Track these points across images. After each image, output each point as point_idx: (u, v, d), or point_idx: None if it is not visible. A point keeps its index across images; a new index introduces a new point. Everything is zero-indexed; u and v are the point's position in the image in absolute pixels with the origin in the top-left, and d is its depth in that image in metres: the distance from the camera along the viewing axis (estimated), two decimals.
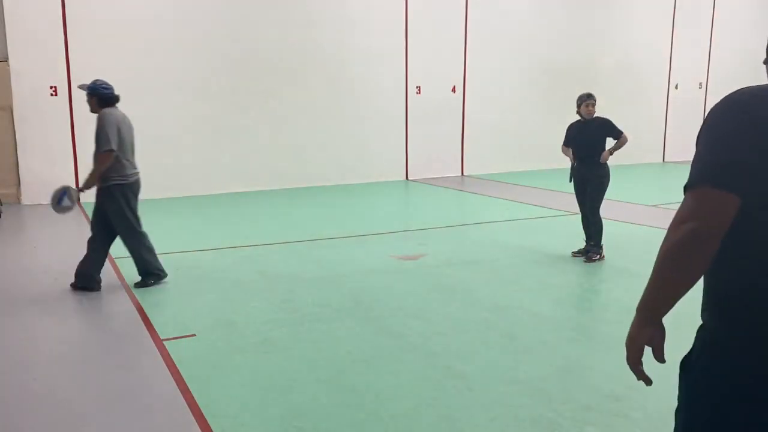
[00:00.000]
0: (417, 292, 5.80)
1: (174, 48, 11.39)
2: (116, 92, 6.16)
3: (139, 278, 6.02)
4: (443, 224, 8.93)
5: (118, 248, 7.43)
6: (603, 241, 6.88)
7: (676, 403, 1.75)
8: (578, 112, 6.86)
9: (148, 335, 4.78)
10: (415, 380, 3.99)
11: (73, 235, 8.75)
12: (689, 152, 1.68)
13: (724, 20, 16.97)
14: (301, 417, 3.52)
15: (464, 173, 14.46)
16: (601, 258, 6.84)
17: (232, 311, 5.30)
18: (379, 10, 13.03)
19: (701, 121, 1.69)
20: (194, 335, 4.77)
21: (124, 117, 6.09)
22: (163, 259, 6.19)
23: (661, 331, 1.69)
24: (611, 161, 6.83)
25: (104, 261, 6.00)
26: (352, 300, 5.58)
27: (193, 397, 3.75)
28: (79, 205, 10.71)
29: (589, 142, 6.77)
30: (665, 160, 17.17)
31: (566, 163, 7.15)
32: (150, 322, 5.03)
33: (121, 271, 6.53)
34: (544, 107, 14.87)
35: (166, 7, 11.29)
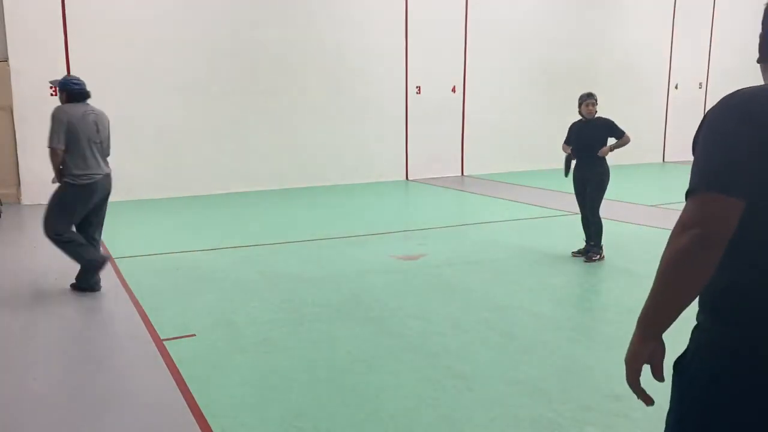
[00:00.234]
0: (417, 292, 5.80)
1: (174, 48, 11.39)
2: (87, 89, 6.03)
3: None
4: (443, 224, 8.93)
5: (118, 248, 7.44)
6: (603, 241, 6.88)
7: None
8: (579, 112, 6.87)
9: (148, 335, 4.78)
10: (415, 380, 3.99)
11: None
12: (689, 152, 1.67)
13: (724, 20, 16.96)
14: (301, 417, 3.52)
15: (464, 173, 14.46)
16: (601, 258, 6.84)
17: (232, 311, 5.30)
18: (379, 10, 13.04)
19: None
20: (194, 335, 4.77)
21: (85, 115, 5.74)
22: (162, 260, 6.19)
23: (661, 347, 1.65)
24: (611, 161, 6.83)
25: (94, 249, 5.83)
26: (352, 300, 5.58)
27: (193, 397, 3.75)
28: None
29: (590, 142, 6.77)
30: (665, 160, 17.17)
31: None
32: (150, 322, 5.03)
33: (121, 271, 6.53)
34: (544, 107, 14.88)
35: (166, 7, 11.29)
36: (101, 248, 6.15)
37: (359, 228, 8.67)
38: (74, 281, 5.89)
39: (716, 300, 1.58)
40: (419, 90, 13.66)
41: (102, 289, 5.87)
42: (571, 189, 7.11)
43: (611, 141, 6.81)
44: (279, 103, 12.36)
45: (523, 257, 7.04)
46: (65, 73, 10.67)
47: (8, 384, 4.04)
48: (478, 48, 14.09)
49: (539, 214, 9.64)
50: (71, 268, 5.96)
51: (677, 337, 1.79)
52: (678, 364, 1.67)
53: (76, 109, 5.74)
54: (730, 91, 1.59)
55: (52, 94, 10.63)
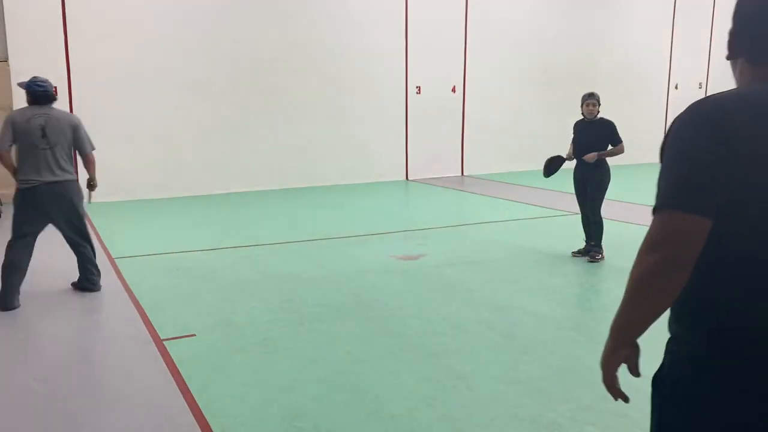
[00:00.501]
0: (417, 292, 5.80)
1: (174, 47, 11.39)
2: (52, 90, 5.78)
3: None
4: (443, 224, 8.93)
5: (118, 248, 7.44)
6: (603, 241, 6.88)
7: None
8: (582, 112, 6.88)
9: (148, 335, 4.78)
10: (415, 380, 3.99)
11: None
12: None
13: (724, 20, 16.96)
14: (301, 417, 3.52)
15: (464, 173, 14.47)
16: (602, 258, 6.84)
17: (232, 311, 5.30)
18: (380, 10, 13.04)
19: None
20: (194, 335, 4.77)
21: (32, 119, 5.41)
22: (162, 260, 6.19)
23: (636, 350, 1.63)
24: (611, 161, 6.83)
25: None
26: (352, 300, 5.58)
27: (193, 397, 3.75)
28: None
29: (590, 143, 6.76)
30: None
31: (567, 162, 7.13)
32: (150, 322, 5.03)
33: (121, 271, 6.53)
34: (544, 107, 14.88)
35: (166, 7, 11.29)
36: (94, 255, 5.93)
37: (359, 228, 8.67)
38: (75, 281, 5.89)
39: (688, 310, 1.55)
40: (419, 90, 13.66)
41: (102, 290, 5.87)
42: (572, 189, 7.11)
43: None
44: (279, 103, 12.36)
45: (523, 257, 7.04)
46: (65, 73, 10.69)
47: (8, 384, 4.04)
48: (478, 48, 14.09)
49: (539, 214, 9.64)
50: (71, 268, 5.96)
51: (656, 350, 1.76)
52: (656, 378, 1.64)
53: (24, 112, 5.50)
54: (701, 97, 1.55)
55: None
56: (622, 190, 10.06)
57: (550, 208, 9.98)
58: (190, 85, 11.56)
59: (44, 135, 5.44)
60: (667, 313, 1.59)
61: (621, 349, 1.61)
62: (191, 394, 3.80)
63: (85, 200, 6.08)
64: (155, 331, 4.86)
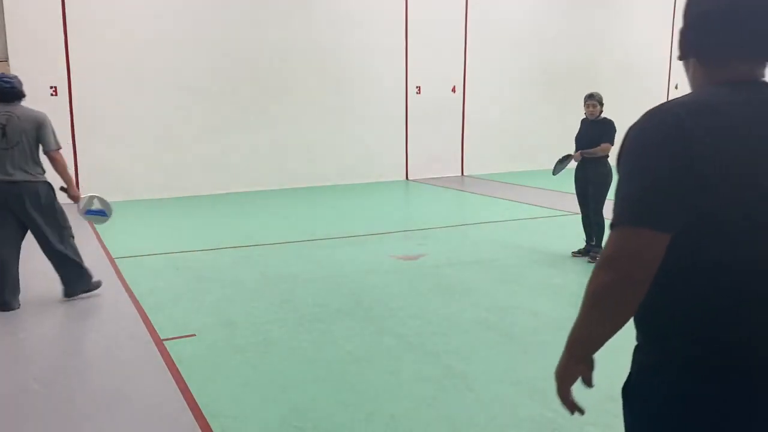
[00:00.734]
0: (417, 292, 5.80)
1: (174, 47, 11.39)
2: (20, 87, 5.48)
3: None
4: (443, 224, 8.93)
5: (118, 248, 7.44)
6: (604, 242, 6.88)
7: None
8: (585, 112, 6.92)
9: (148, 335, 4.78)
10: (415, 380, 3.99)
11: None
12: None
13: None
14: (301, 417, 3.52)
15: (464, 173, 14.46)
16: None
17: (232, 311, 5.30)
18: (380, 10, 13.03)
19: None
20: (194, 335, 4.77)
21: None
22: (162, 260, 6.19)
23: (590, 365, 1.61)
24: (613, 160, 6.83)
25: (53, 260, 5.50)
26: (352, 300, 5.58)
27: (193, 397, 3.76)
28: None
29: (591, 143, 6.77)
30: None
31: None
32: (150, 322, 5.03)
33: (121, 271, 6.53)
34: (544, 107, 14.88)
35: (166, 7, 11.29)
36: (78, 254, 5.60)
37: (359, 228, 8.67)
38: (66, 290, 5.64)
39: (653, 320, 1.51)
40: (419, 90, 13.66)
41: (102, 290, 5.86)
42: (572, 189, 7.11)
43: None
44: (279, 103, 12.36)
45: (523, 257, 7.04)
46: (65, 73, 10.69)
47: (8, 384, 4.04)
48: (478, 48, 14.09)
49: (539, 214, 9.64)
50: None
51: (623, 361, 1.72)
52: (625, 390, 1.61)
53: None
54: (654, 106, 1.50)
55: (52, 94, 10.65)
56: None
57: (550, 208, 9.98)
58: (190, 85, 11.56)
59: (4, 134, 5.23)
60: (632, 324, 1.56)
61: (578, 363, 1.58)
62: (191, 394, 3.80)
63: (80, 206, 5.64)
64: (155, 331, 4.86)
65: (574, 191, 7.09)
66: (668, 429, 1.48)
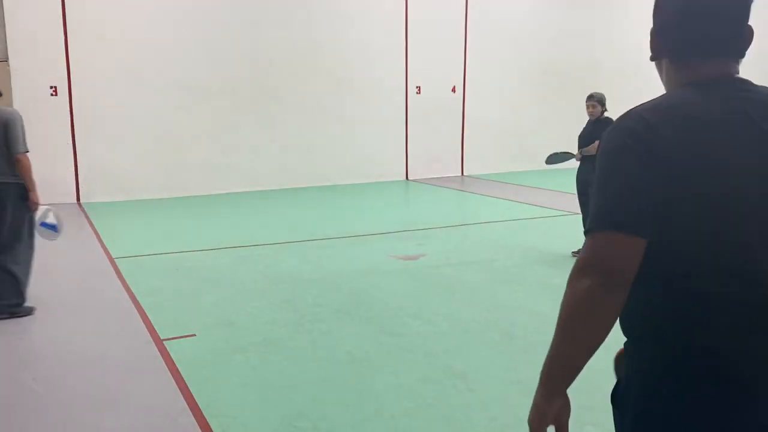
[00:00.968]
0: (417, 292, 5.80)
1: (174, 48, 11.39)
2: None
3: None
4: (443, 224, 8.93)
5: (118, 248, 7.44)
6: None
7: None
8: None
9: (148, 335, 4.78)
10: (415, 380, 3.99)
11: (73, 236, 8.75)
12: None
13: None
14: (301, 417, 3.52)
15: (464, 173, 14.46)
16: None
17: (232, 311, 5.30)
18: (379, 10, 13.03)
19: None
20: (194, 335, 4.77)
21: None
22: (162, 260, 6.19)
23: (567, 404, 1.50)
24: None
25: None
26: (352, 300, 5.58)
27: (193, 397, 3.75)
28: (79, 204, 10.73)
29: (591, 143, 6.78)
30: None
31: (568, 162, 7.15)
32: (150, 322, 5.03)
33: (121, 271, 6.53)
34: (544, 107, 14.87)
35: (166, 7, 11.29)
36: (25, 272, 5.25)
37: (359, 228, 8.67)
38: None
39: (638, 323, 1.48)
40: (419, 90, 13.66)
41: (102, 289, 5.86)
42: (571, 189, 7.11)
43: None
44: (279, 103, 12.36)
45: (523, 257, 7.04)
46: (65, 73, 10.69)
47: (8, 384, 4.04)
48: (478, 48, 14.08)
49: (539, 214, 9.64)
50: (71, 268, 5.96)
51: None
52: (614, 395, 1.58)
53: None
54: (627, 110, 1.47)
55: (52, 94, 10.65)
56: None
57: (550, 208, 9.98)
58: (190, 85, 11.56)
59: None
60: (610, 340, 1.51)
61: (554, 398, 1.47)
62: (191, 394, 3.80)
63: (37, 216, 5.28)
64: (155, 331, 4.86)
65: (575, 191, 7.09)
66: (659, 429, 1.46)
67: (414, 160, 13.85)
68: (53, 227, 5.40)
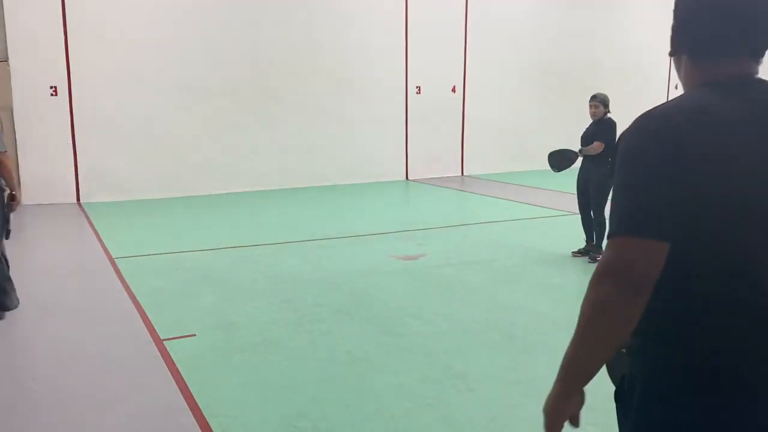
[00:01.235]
0: (417, 292, 5.80)
1: (174, 48, 11.38)
2: None
3: None
4: (443, 224, 8.93)
5: (118, 248, 7.43)
6: (604, 242, 6.87)
7: None
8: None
9: (148, 335, 4.78)
10: (414, 380, 3.99)
11: (73, 235, 8.75)
12: None
13: None
14: (301, 417, 3.52)
15: (464, 173, 14.46)
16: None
17: (232, 311, 5.30)
18: (379, 10, 13.03)
19: None
20: (194, 335, 4.77)
21: None
22: (162, 260, 6.18)
23: (582, 398, 1.54)
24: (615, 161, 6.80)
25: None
26: (352, 300, 5.58)
27: (193, 397, 3.75)
28: (79, 204, 10.73)
29: (588, 142, 6.78)
30: None
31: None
32: (150, 322, 5.03)
33: (121, 271, 6.52)
34: (544, 107, 14.87)
35: (166, 7, 11.28)
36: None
37: (359, 228, 8.67)
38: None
39: (648, 324, 1.46)
40: (419, 90, 13.65)
41: (102, 289, 5.86)
42: (571, 188, 7.11)
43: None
44: (279, 103, 12.35)
45: (523, 257, 7.04)
46: (65, 73, 10.69)
47: (8, 384, 4.04)
48: (478, 48, 14.08)
49: (539, 214, 9.64)
50: (71, 268, 5.96)
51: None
52: (618, 393, 1.58)
53: None
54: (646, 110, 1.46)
55: (52, 94, 10.65)
56: None
57: (550, 208, 9.98)
58: (190, 85, 11.55)
59: None
60: None
61: (572, 395, 1.49)
62: (191, 394, 3.80)
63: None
64: (155, 331, 4.85)
65: (575, 192, 7.09)
66: (662, 429, 1.46)
67: (414, 160, 13.85)
68: None
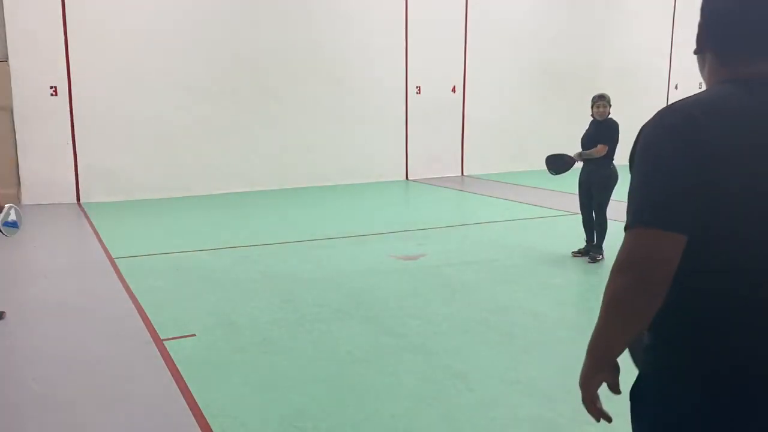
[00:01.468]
0: (417, 292, 5.79)
1: (174, 48, 11.38)
2: None
3: None
4: (443, 224, 8.93)
5: (118, 249, 7.44)
6: (604, 242, 6.87)
7: None
8: (591, 114, 6.89)
9: (148, 335, 4.78)
10: (415, 380, 3.99)
11: (73, 236, 8.75)
12: None
13: None
14: (301, 417, 3.52)
15: (464, 173, 14.46)
16: (602, 258, 6.83)
17: (232, 311, 5.30)
18: (379, 10, 13.03)
19: None
20: (194, 335, 4.77)
21: None
22: (162, 260, 6.19)
23: (615, 369, 1.56)
24: (616, 161, 6.78)
25: None
26: (352, 300, 5.58)
27: (193, 397, 3.75)
28: (79, 204, 10.72)
29: (592, 142, 6.75)
30: None
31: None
32: (150, 322, 5.03)
33: (121, 271, 6.53)
34: (544, 107, 14.88)
35: (166, 7, 11.28)
36: None
37: (359, 228, 8.67)
38: None
39: (663, 321, 1.48)
40: (419, 90, 13.65)
41: (102, 289, 5.86)
42: (571, 189, 7.09)
43: (623, 142, 6.74)
44: (279, 103, 12.35)
45: (523, 257, 7.04)
46: (65, 73, 10.68)
47: (8, 384, 4.04)
48: (478, 48, 14.08)
49: (539, 214, 9.64)
50: (71, 268, 5.96)
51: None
52: (634, 392, 1.58)
53: None
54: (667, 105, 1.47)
55: (52, 94, 10.65)
56: (624, 189, 10.06)
57: (550, 208, 9.98)
58: (190, 85, 11.55)
59: None
60: None
61: (600, 371, 1.54)
62: (191, 394, 3.80)
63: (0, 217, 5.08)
64: (155, 331, 4.85)
65: (576, 192, 7.08)
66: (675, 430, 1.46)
67: (414, 160, 13.85)
68: (14, 224, 5.28)
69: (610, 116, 6.82)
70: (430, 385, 3.92)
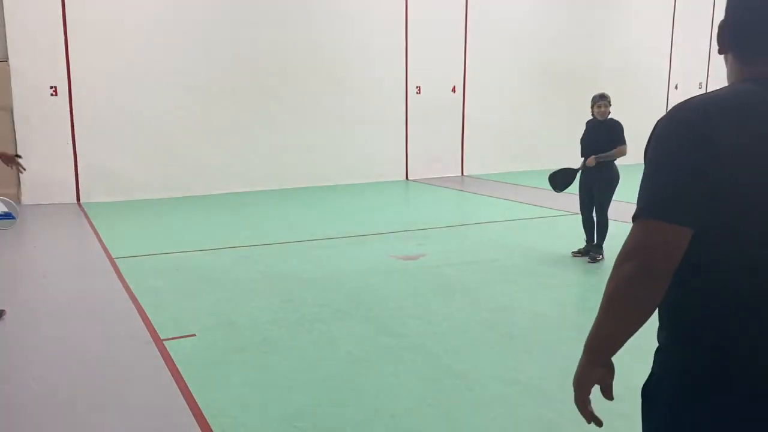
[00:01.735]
0: (417, 292, 5.79)
1: (174, 48, 11.38)
2: None
3: None
4: (443, 224, 8.93)
5: (118, 248, 7.43)
6: (605, 242, 6.87)
7: None
8: (592, 113, 6.86)
9: (148, 335, 4.78)
10: (415, 380, 3.99)
11: (73, 236, 8.75)
12: None
13: None
14: (301, 417, 3.52)
15: (464, 173, 14.46)
16: (602, 258, 6.83)
17: (232, 311, 5.30)
18: (379, 10, 13.03)
19: None
20: (194, 335, 4.77)
21: None
22: (162, 260, 6.19)
23: (610, 370, 1.58)
24: (619, 160, 6.77)
25: None
26: (352, 300, 5.58)
27: (193, 397, 3.75)
28: (79, 204, 10.72)
29: (597, 144, 6.69)
30: None
31: (565, 163, 7.12)
32: (150, 322, 5.03)
33: (121, 271, 6.52)
34: (544, 107, 14.87)
35: (166, 7, 11.29)
36: None
37: (359, 228, 8.66)
38: None
39: (675, 320, 1.49)
40: (419, 90, 13.65)
41: (102, 289, 5.86)
42: (571, 189, 7.08)
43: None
44: (279, 103, 12.35)
45: (523, 257, 7.04)
46: (65, 73, 10.68)
47: (8, 384, 4.04)
48: (478, 48, 14.08)
49: (539, 214, 9.64)
50: (71, 268, 5.96)
51: (642, 359, 1.70)
52: (645, 390, 1.59)
53: None
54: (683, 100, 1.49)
55: (52, 94, 10.65)
56: (624, 190, 10.04)
57: (550, 208, 9.98)
58: (190, 85, 11.55)
59: None
60: (653, 323, 1.54)
61: (596, 367, 1.55)
62: (191, 394, 3.80)
63: None
64: (155, 331, 4.85)
65: (576, 192, 7.07)
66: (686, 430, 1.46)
67: (414, 160, 13.85)
68: (8, 215, 5.27)
69: (610, 116, 6.81)
70: (430, 385, 3.92)
